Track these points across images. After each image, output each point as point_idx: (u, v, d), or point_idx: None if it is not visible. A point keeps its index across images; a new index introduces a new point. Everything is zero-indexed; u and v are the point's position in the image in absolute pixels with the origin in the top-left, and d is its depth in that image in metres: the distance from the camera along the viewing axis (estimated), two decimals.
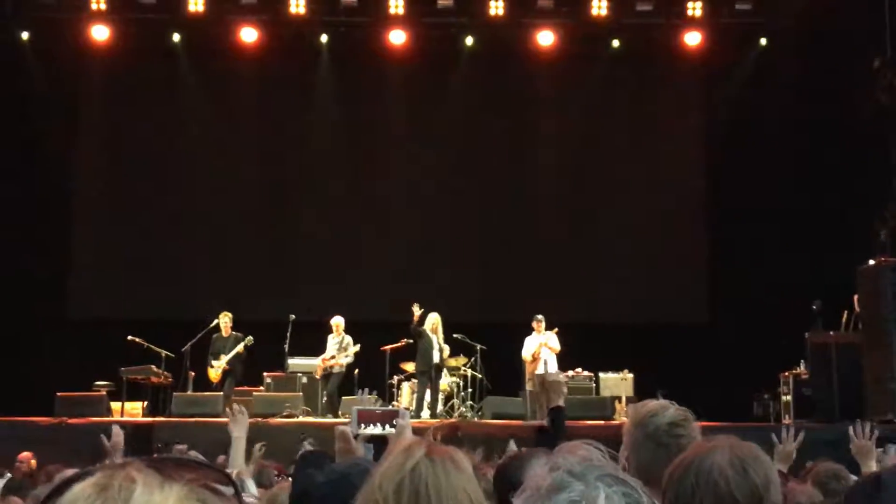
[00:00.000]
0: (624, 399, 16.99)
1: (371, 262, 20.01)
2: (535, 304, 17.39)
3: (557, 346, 16.33)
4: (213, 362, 17.06)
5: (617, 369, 17.66)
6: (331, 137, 20.50)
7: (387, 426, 4.24)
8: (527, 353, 16.47)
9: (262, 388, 17.24)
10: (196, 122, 20.34)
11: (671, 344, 18.67)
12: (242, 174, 20.47)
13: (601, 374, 17.69)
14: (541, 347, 16.25)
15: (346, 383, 16.96)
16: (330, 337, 17.31)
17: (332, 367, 17.16)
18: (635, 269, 19.95)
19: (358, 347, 17.06)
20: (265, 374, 17.42)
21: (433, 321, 16.35)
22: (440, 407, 16.78)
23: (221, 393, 16.62)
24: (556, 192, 20.55)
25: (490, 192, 20.57)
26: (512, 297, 19.31)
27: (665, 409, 3.55)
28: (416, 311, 16.11)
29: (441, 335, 16.42)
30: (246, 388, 17.18)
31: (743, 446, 2.98)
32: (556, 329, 16.62)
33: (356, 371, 17.20)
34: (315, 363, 17.32)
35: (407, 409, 12.84)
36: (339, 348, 17.12)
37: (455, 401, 17.33)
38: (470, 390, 17.48)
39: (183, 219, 20.15)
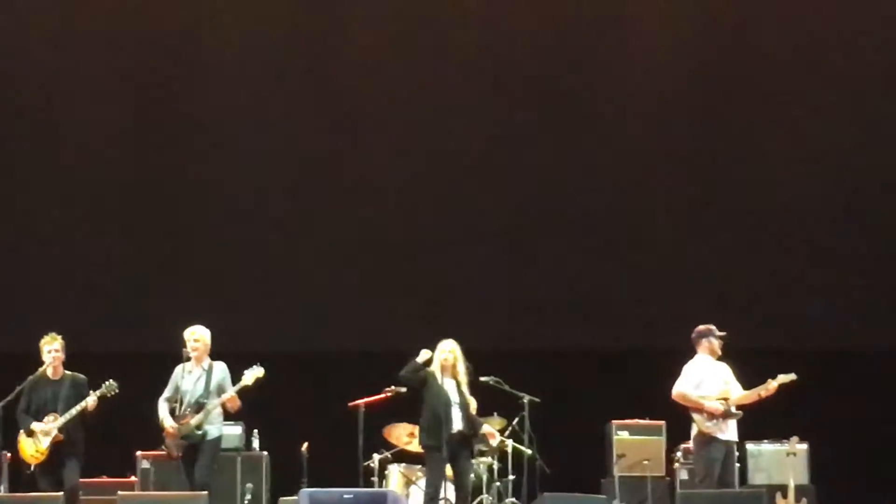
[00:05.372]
0: (792, 490, 11.17)
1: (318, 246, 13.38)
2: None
3: (740, 390, 10.18)
4: (34, 426, 10.14)
5: (780, 436, 11.84)
6: None
7: None
8: (689, 386, 10.00)
9: (133, 477, 11.66)
10: None
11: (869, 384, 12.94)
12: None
13: (749, 446, 12.03)
14: (726, 386, 10.06)
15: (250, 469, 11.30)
16: (178, 370, 10.40)
17: (197, 425, 10.08)
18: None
19: (261, 372, 10.18)
20: (139, 453, 11.61)
21: (446, 354, 10.27)
22: None
23: (60, 494, 9.84)
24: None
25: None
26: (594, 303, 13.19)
27: None
28: (425, 355, 10.29)
29: (464, 377, 10.31)
30: (101, 478, 11.32)
31: None
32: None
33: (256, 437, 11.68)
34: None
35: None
36: (205, 387, 10.21)
37: (484, 497, 11.07)
38: (511, 479, 11.36)
39: None
